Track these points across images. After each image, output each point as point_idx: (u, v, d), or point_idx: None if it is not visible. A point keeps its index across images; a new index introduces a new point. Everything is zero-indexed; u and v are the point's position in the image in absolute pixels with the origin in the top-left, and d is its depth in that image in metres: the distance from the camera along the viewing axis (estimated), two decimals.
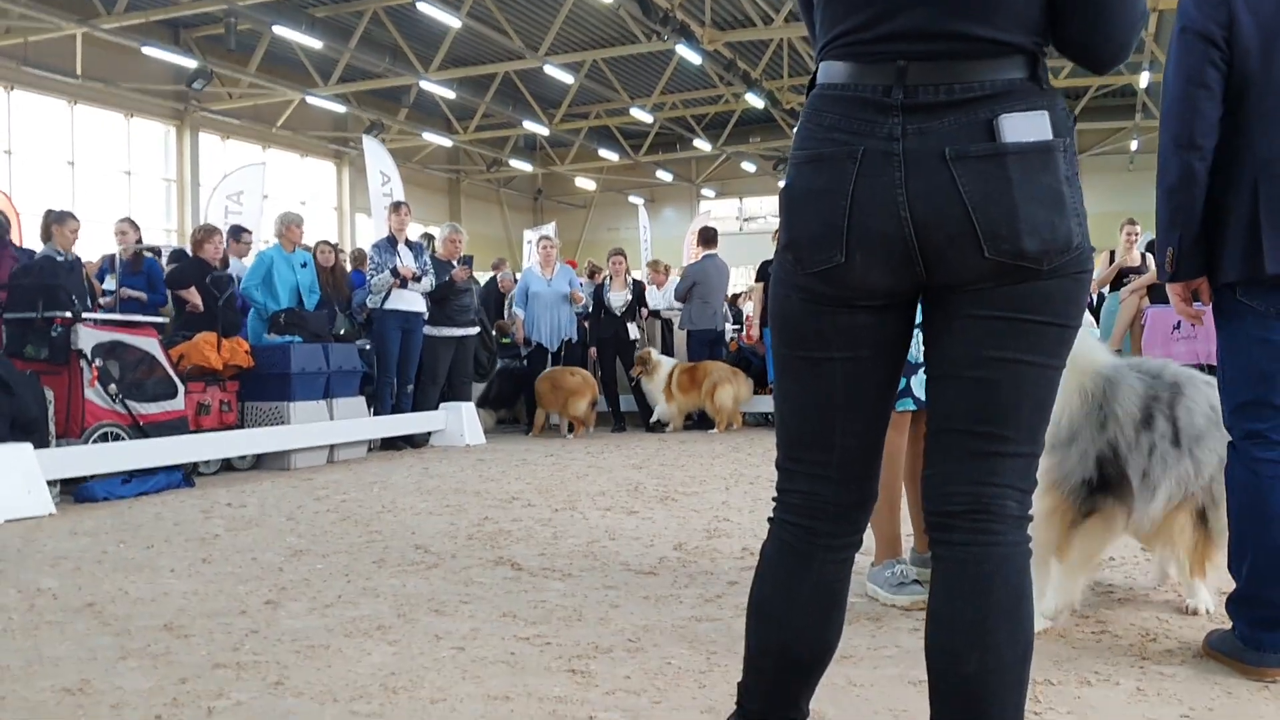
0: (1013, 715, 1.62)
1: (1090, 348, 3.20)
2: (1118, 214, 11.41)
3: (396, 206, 9.65)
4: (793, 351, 1.75)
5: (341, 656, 3.07)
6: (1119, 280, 10.09)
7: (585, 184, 32.56)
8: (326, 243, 10.52)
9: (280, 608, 3.65)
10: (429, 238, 11.09)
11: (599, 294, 11.14)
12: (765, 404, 11.20)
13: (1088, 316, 12.62)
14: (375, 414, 9.01)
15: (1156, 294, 9.99)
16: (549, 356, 10.79)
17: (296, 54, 21.16)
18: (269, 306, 8.43)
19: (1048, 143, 1.58)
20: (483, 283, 12.49)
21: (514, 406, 11.54)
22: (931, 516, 1.69)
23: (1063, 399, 3.08)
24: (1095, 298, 10.54)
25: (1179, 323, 9.68)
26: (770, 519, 1.84)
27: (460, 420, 9.49)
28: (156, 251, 9.99)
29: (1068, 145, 1.60)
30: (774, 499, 1.85)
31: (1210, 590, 3.40)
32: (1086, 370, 3.14)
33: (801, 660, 1.79)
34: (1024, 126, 1.57)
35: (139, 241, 9.41)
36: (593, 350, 11.09)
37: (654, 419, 10.81)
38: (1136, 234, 10.54)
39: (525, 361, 11.00)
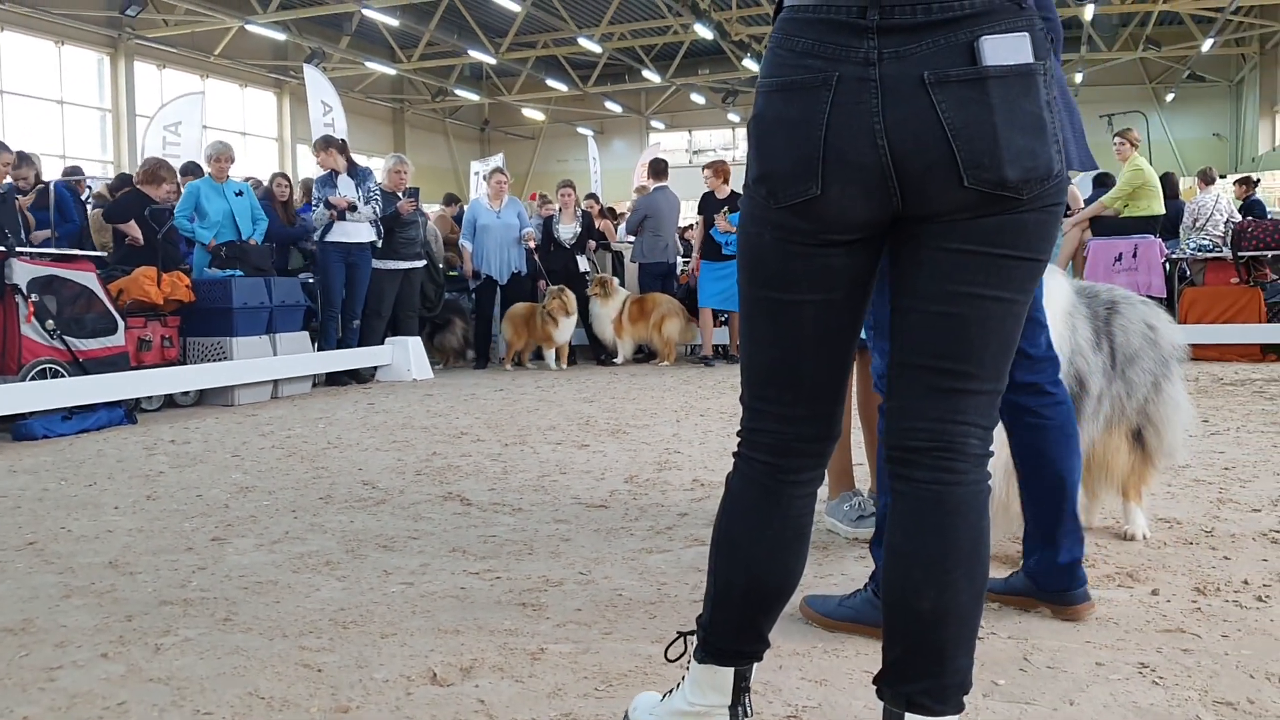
0: (965, 651, 1.63)
1: (1055, 274, 3.16)
2: None
3: (321, 143, 9.36)
4: (763, 292, 1.69)
5: (290, 592, 3.06)
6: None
7: (533, 115, 32.19)
8: (284, 176, 10.28)
9: (227, 544, 3.62)
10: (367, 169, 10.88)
11: (548, 226, 11.04)
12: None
13: None
14: (320, 349, 8.92)
15: (1098, 226, 10.10)
16: (497, 290, 10.69)
17: None
18: (200, 235, 8.28)
19: (1029, 66, 1.51)
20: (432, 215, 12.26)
21: (439, 338, 11.29)
22: (892, 451, 1.68)
23: (1063, 331, 3.08)
24: None
25: (1120, 254, 9.82)
26: (736, 454, 1.81)
27: (407, 355, 9.40)
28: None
29: (1048, 68, 1.54)
30: (739, 434, 1.81)
31: (1146, 515, 3.47)
32: (1064, 298, 3.13)
33: (770, 592, 1.78)
34: (1005, 49, 1.50)
35: (38, 176, 9.18)
36: (542, 283, 11.01)
37: (619, 360, 10.77)
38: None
39: (473, 295, 10.89)
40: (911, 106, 1.49)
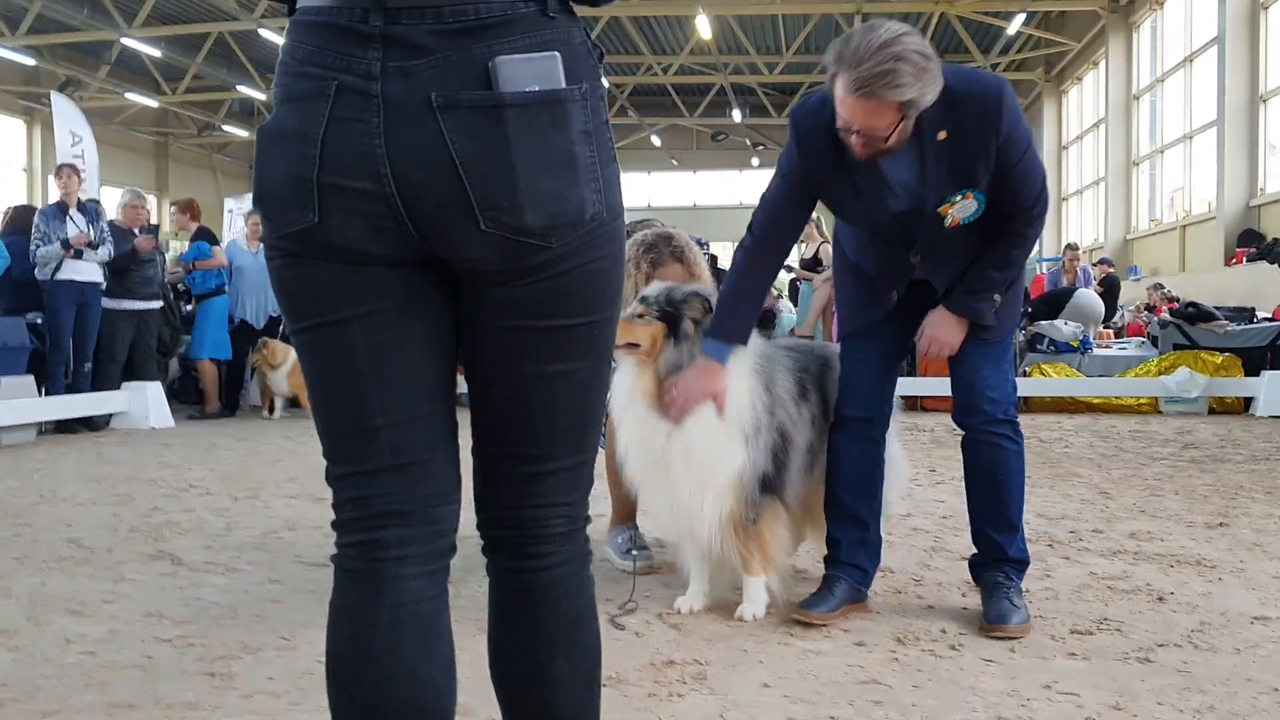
0: None
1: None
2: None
3: (59, 170, 8.83)
4: (301, 324, 1.41)
5: None
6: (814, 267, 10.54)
7: None
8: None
9: None
10: (95, 203, 10.29)
11: None
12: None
13: (785, 301, 13.21)
14: (47, 394, 8.31)
15: None
16: (255, 335, 10.23)
17: None
18: None
19: (557, 93, 1.31)
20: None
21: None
22: (482, 536, 1.54)
23: (744, 385, 3.13)
24: (789, 286, 10.97)
25: None
26: (333, 557, 1.46)
27: (145, 401, 8.86)
28: None
29: (587, 92, 1.34)
30: (334, 525, 1.47)
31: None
32: (751, 354, 3.18)
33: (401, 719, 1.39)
34: (527, 72, 1.29)
35: None
36: None
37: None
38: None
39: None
40: (418, 132, 1.29)
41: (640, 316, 3.10)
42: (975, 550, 3.25)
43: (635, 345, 3.10)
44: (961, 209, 2.89)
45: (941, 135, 2.80)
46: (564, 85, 1.32)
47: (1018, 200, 2.93)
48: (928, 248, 3.02)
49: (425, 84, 1.29)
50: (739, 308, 3.09)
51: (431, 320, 1.42)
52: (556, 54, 1.32)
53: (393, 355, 1.39)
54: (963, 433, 3.21)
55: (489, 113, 1.28)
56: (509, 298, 1.38)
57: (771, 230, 3.09)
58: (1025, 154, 2.88)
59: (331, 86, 1.31)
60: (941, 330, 3.10)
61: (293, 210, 1.34)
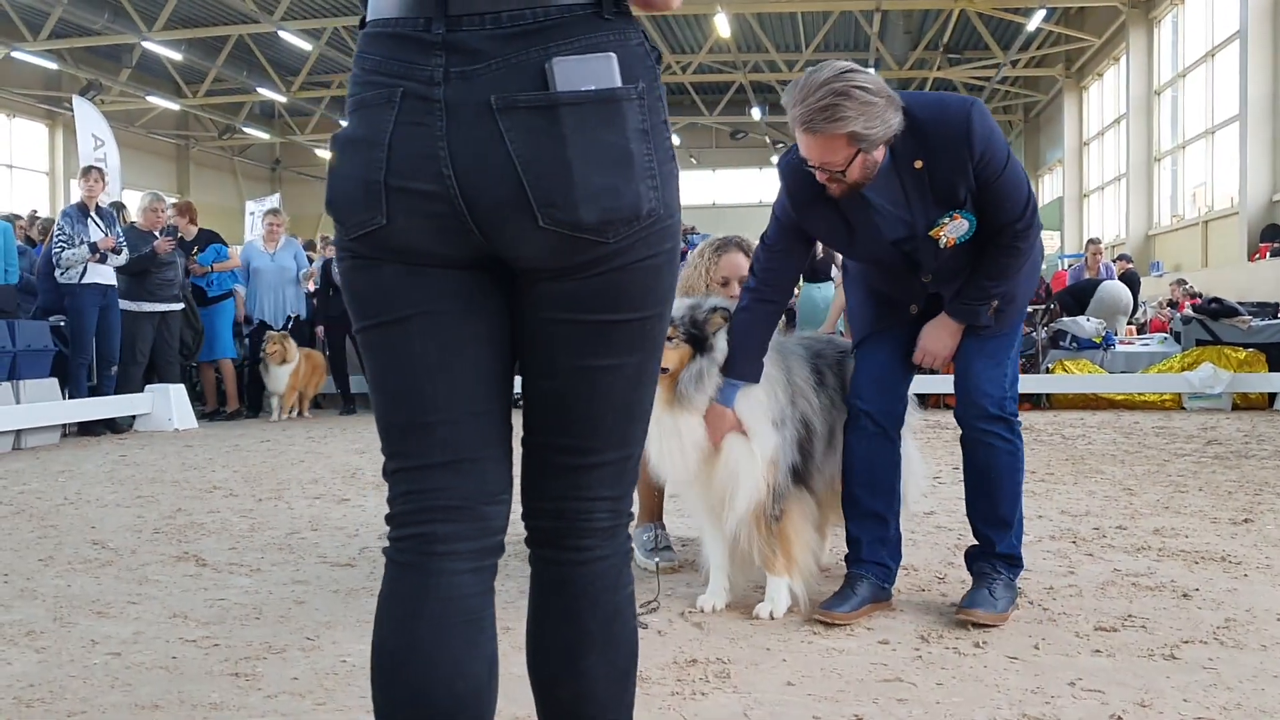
0: None
1: None
2: None
3: (86, 172, 8.91)
4: (364, 323, 1.46)
5: None
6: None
7: (327, 155, 31.51)
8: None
9: None
10: (119, 206, 10.34)
11: (328, 270, 10.73)
12: None
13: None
14: (70, 396, 8.37)
15: None
16: None
17: (0, 3, 19.48)
18: None
19: (612, 91, 1.34)
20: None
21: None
22: (526, 531, 1.56)
23: (768, 376, 3.18)
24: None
25: None
26: (385, 549, 1.51)
27: (168, 403, 8.94)
28: None
29: (644, 91, 1.37)
30: (387, 519, 1.50)
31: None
32: (770, 349, 3.21)
33: (443, 712, 1.41)
34: (582, 72, 1.33)
35: None
36: (320, 328, 10.66)
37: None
38: None
39: (248, 341, 10.47)
40: (477, 133, 1.33)
41: (669, 339, 3.12)
42: (974, 542, 3.31)
43: (664, 370, 3.13)
44: (953, 229, 2.97)
45: (918, 164, 2.89)
46: (619, 84, 1.35)
47: (1004, 214, 2.98)
48: (934, 269, 3.09)
49: (485, 87, 1.33)
50: (750, 349, 3.16)
51: (490, 321, 1.46)
52: (612, 54, 1.35)
53: (451, 354, 1.44)
54: (961, 429, 3.24)
55: (545, 112, 1.32)
56: (563, 292, 1.41)
57: (774, 271, 3.18)
58: (1005, 169, 2.92)
59: (397, 93, 1.36)
60: (932, 341, 3.19)
61: (362, 213, 1.39)
